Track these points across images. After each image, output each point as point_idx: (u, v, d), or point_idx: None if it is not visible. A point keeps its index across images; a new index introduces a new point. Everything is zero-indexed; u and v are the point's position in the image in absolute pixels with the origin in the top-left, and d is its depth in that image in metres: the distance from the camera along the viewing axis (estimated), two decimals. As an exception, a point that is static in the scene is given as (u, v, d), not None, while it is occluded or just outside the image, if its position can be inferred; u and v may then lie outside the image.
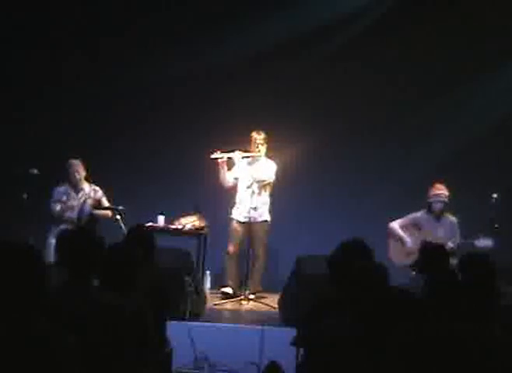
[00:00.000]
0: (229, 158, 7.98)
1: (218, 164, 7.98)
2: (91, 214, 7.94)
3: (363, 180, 8.94)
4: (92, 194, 8.01)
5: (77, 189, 8.00)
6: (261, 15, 9.04)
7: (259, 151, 8.03)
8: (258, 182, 7.96)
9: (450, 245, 7.34)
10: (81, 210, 7.92)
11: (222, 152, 7.95)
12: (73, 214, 7.93)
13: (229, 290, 8.00)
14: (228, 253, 8.10)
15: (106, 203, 8.05)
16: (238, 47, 9.05)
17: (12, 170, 7.87)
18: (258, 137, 8.05)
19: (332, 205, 8.95)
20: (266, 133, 8.07)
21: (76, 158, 7.96)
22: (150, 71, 9.09)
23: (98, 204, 8.00)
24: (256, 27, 9.02)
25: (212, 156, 7.95)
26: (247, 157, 8.03)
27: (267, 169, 8.08)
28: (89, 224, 7.84)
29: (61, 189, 8.01)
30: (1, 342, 2.33)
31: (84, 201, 7.95)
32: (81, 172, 7.97)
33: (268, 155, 8.13)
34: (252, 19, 9.03)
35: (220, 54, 9.07)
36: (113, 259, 3.82)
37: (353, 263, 3.84)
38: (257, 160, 8.08)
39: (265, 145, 8.08)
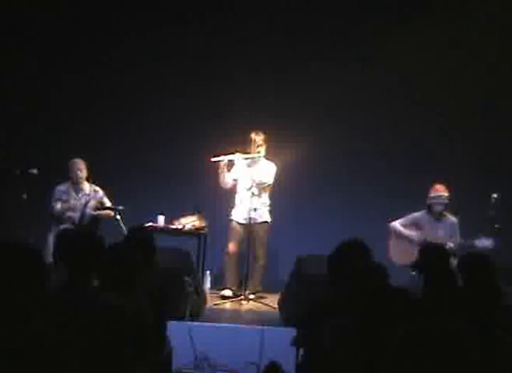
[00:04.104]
0: (229, 160, 7.99)
1: (218, 167, 7.98)
2: (93, 216, 7.94)
3: (363, 180, 8.94)
4: (92, 195, 8.01)
5: (77, 188, 8.00)
6: (260, 15, 9.05)
7: (259, 151, 8.04)
8: (258, 184, 7.97)
9: (450, 245, 7.34)
10: (82, 214, 7.91)
11: (223, 155, 7.95)
12: (74, 214, 7.93)
13: (228, 293, 7.99)
14: (228, 254, 8.11)
15: (107, 203, 8.05)
16: (238, 46, 9.06)
17: (12, 170, 7.86)
18: (257, 137, 8.05)
19: (332, 205, 8.95)
20: (265, 133, 8.07)
21: (79, 157, 7.97)
22: (150, 72, 9.09)
23: (100, 205, 8.00)
24: (256, 27, 9.02)
25: (213, 159, 7.95)
26: (247, 158, 8.03)
27: (266, 170, 8.07)
28: (91, 225, 7.84)
29: (62, 188, 8.02)
30: (1, 342, 2.33)
31: (85, 205, 7.94)
32: (83, 170, 7.97)
33: (267, 156, 8.13)
34: (253, 18, 9.02)
35: (220, 53, 9.08)
36: (113, 259, 3.82)
37: (353, 263, 3.84)
38: (256, 161, 8.08)
39: (264, 146, 8.08)
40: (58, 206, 7.94)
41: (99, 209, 7.96)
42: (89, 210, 7.93)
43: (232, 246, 8.10)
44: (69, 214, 7.93)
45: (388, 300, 3.17)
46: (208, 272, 8.41)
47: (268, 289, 8.09)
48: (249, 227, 8.01)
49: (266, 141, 8.09)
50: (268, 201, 8.11)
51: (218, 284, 8.32)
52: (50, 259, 3.82)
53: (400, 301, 3.18)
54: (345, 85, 8.85)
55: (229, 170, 8.06)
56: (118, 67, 9.09)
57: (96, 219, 7.96)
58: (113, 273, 3.79)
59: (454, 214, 7.81)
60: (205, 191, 8.29)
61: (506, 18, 8.90)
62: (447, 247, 7.09)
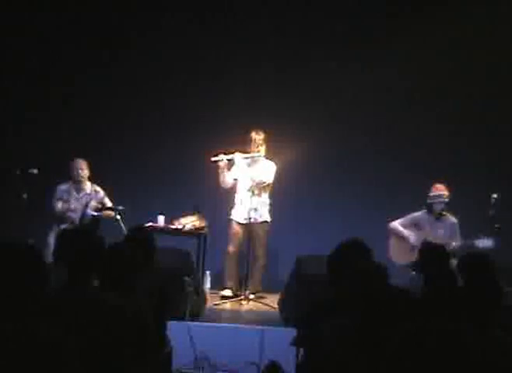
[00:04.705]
0: (229, 160, 7.98)
1: (218, 166, 7.98)
2: (93, 217, 7.95)
3: (363, 180, 8.94)
4: (93, 195, 8.02)
5: (79, 187, 8.01)
6: (260, 15, 9.05)
7: (258, 151, 8.04)
8: (258, 183, 7.97)
9: (453, 245, 7.35)
10: (82, 214, 7.92)
11: (223, 154, 7.95)
12: (74, 215, 7.94)
13: (228, 293, 7.99)
14: (228, 253, 8.10)
15: (108, 203, 8.05)
16: (238, 46, 9.06)
17: (12, 170, 7.87)
18: (258, 137, 8.05)
19: (332, 205, 8.95)
20: (265, 132, 8.07)
21: (80, 157, 7.98)
22: (150, 72, 9.09)
23: (100, 206, 8.00)
24: (257, 27, 9.02)
25: (213, 159, 7.95)
26: (247, 158, 8.04)
27: (266, 169, 8.07)
28: (91, 225, 7.84)
29: (63, 187, 8.03)
30: (1, 342, 2.33)
31: (86, 205, 7.94)
32: (84, 169, 7.98)
33: (267, 155, 8.13)
34: (253, 18, 9.03)
35: (220, 53, 9.08)
36: (113, 259, 3.82)
37: (353, 263, 3.84)
38: (256, 161, 8.08)
39: (265, 145, 8.09)
40: (59, 206, 7.95)
41: (99, 209, 7.97)
42: (89, 211, 7.94)
43: (232, 246, 8.10)
44: (70, 214, 7.93)
45: (388, 300, 3.17)
46: (208, 272, 8.40)
47: (268, 289, 8.09)
48: (249, 227, 8.01)
49: (266, 140, 8.09)
50: (268, 201, 8.11)
51: (218, 284, 8.32)
52: (50, 259, 3.82)
53: (400, 301, 3.18)
54: (345, 85, 8.85)
55: (229, 169, 8.06)
56: (118, 67, 9.09)
57: (96, 219, 7.97)
58: (113, 273, 3.79)
59: (454, 214, 7.81)
60: (205, 191, 8.30)
61: (506, 18, 8.90)
62: (451, 247, 7.11)
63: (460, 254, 5.97)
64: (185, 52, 9.10)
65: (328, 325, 3.42)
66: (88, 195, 8.02)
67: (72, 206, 7.96)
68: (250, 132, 8.05)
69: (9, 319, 2.39)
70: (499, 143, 8.86)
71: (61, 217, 7.92)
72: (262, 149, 8.07)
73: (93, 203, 7.99)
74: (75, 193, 8.01)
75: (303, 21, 9.04)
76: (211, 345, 6.16)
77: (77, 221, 7.90)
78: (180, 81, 9.05)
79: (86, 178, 8.03)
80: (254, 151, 8.04)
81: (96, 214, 7.95)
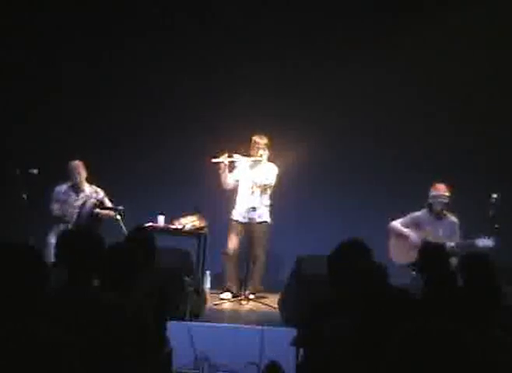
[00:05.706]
0: (230, 162, 7.98)
1: (220, 167, 7.98)
2: (92, 215, 7.95)
3: (363, 180, 8.94)
4: (93, 196, 8.02)
5: (78, 190, 8.02)
6: (260, 16, 9.05)
7: (260, 155, 8.01)
8: (259, 186, 7.96)
9: (450, 244, 7.34)
10: (80, 212, 7.93)
11: (224, 155, 7.93)
12: (73, 215, 7.94)
13: (227, 295, 8.00)
14: (227, 254, 8.10)
15: (108, 203, 8.06)
16: (238, 46, 9.06)
17: (11, 170, 7.87)
18: (261, 141, 8.03)
19: (332, 205, 8.95)
20: (266, 135, 8.05)
21: (77, 159, 7.98)
22: (150, 72, 9.09)
23: (99, 204, 8.00)
24: (257, 27, 9.02)
25: (214, 160, 7.95)
26: (249, 161, 8.03)
27: (268, 172, 8.06)
28: (92, 224, 7.85)
29: (61, 189, 8.02)
30: (1, 342, 2.33)
31: (83, 204, 7.95)
32: (82, 173, 7.98)
33: (269, 158, 8.11)
34: (253, 18, 9.03)
35: (220, 53, 9.08)
36: (113, 259, 3.82)
37: (353, 263, 3.84)
38: (258, 163, 8.07)
39: (267, 150, 8.05)
40: (56, 208, 7.95)
41: (98, 207, 7.96)
42: (86, 209, 7.93)
43: (231, 245, 8.09)
44: (69, 214, 7.93)
45: (388, 300, 3.17)
46: (208, 272, 8.41)
47: (268, 289, 8.09)
48: (248, 226, 8.01)
49: (269, 145, 8.06)
50: (268, 202, 8.10)
51: (218, 284, 8.32)
52: (50, 258, 3.82)
53: (400, 301, 3.18)
54: (345, 85, 8.85)
55: (230, 171, 8.06)
56: (118, 67, 9.10)
57: (97, 219, 7.97)
58: (114, 273, 3.79)
59: (454, 214, 7.81)
60: (205, 191, 8.30)
61: (506, 17, 8.90)
62: (448, 246, 7.09)
63: (460, 253, 5.98)
64: (185, 52, 9.10)
65: (328, 325, 3.42)
66: (87, 196, 8.02)
67: (72, 207, 7.96)
68: (253, 136, 8.03)
69: (9, 319, 2.39)
70: (498, 143, 8.86)
71: (60, 219, 7.92)
72: (265, 154, 8.04)
73: (91, 201, 7.98)
74: (73, 194, 8.01)
75: (303, 21, 9.04)
76: (211, 345, 6.16)
77: (74, 220, 7.90)
78: (180, 81, 9.04)
79: (84, 179, 8.02)
80: (255, 155, 8.02)
81: (94, 211, 7.94)
